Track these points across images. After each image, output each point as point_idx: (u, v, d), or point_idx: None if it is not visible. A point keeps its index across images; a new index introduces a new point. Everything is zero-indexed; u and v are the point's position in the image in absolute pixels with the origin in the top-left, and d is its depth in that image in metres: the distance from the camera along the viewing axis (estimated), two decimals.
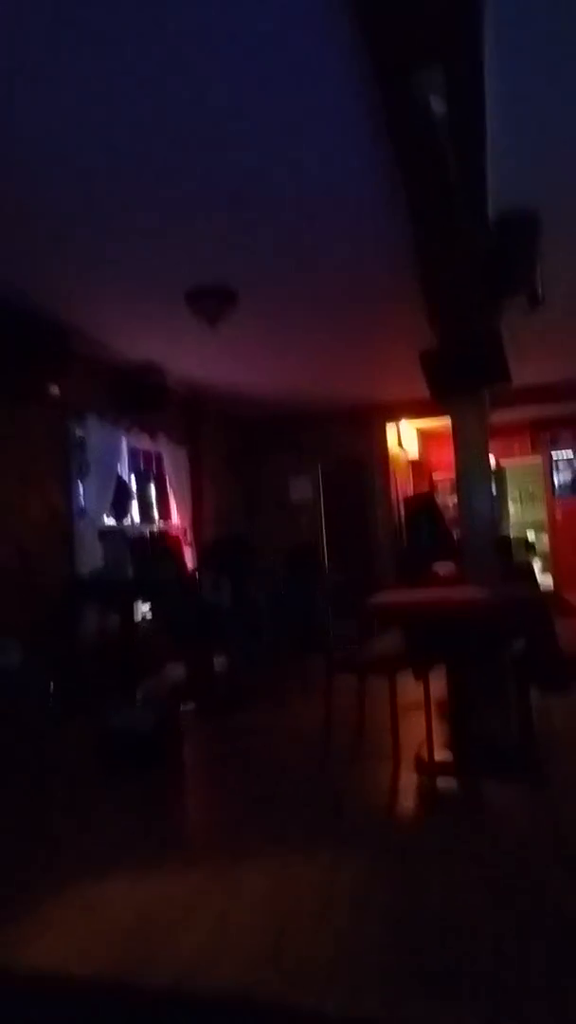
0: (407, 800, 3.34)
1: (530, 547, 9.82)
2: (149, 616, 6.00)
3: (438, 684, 3.74)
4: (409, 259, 3.98)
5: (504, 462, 10.31)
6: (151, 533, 6.69)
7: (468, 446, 4.85)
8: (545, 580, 9.39)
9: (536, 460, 10.41)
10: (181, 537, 7.08)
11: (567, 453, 10.21)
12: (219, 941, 2.13)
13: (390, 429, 9.00)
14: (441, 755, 3.57)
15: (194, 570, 6.67)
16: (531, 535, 10.80)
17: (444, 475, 9.56)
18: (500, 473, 10.00)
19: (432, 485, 10.17)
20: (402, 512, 8.64)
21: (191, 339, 5.52)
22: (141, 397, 6.29)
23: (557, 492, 10.26)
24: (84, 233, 3.81)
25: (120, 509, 6.26)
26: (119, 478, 6.22)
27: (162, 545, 6.20)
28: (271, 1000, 1.86)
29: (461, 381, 4.67)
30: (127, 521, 6.44)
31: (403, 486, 9.54)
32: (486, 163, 2.83)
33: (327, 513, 9.04)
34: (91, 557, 5.51)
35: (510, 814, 3.06)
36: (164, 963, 2.03)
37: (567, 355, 6.97)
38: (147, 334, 5.56)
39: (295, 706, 5.01)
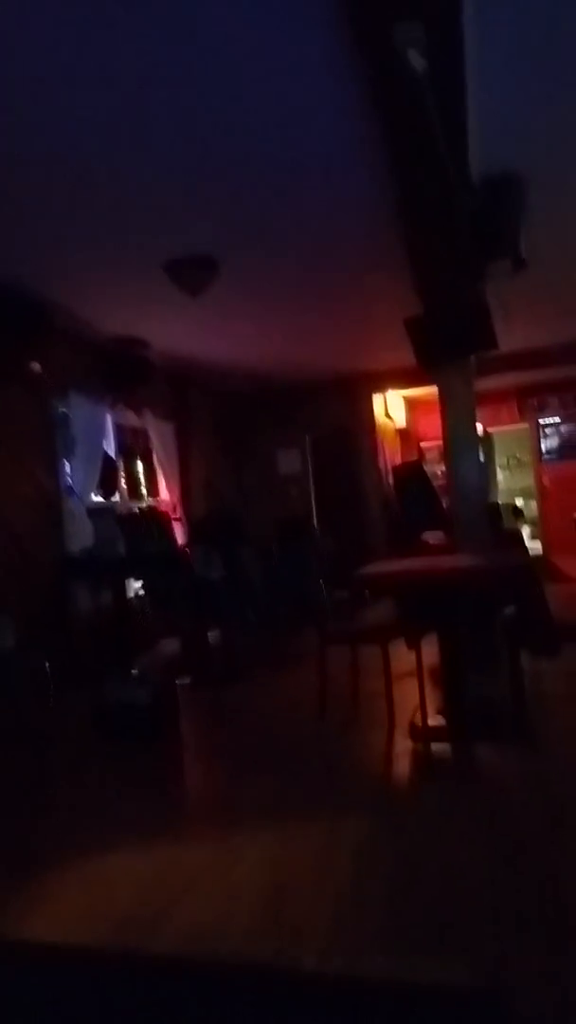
0: (402, 765, 3.39)
1: (519, 513, 9.87)
2: (142, 592, 6.01)
3: (430, 652, 3.77)
4: (393, 224, 3.92)
5: (491, 429, 10.30)
6: (140, 510, 6.67)
7: (456, 414, 4.83)
8: (534, 546, 9.46)
9: (523, 426, 10.41)
10: (170, 512, 7.06)
11: (554, 418, 10.21)
12: (220, 907, 2.17)
13: (377, 399, 8.96)
14: (435, 721, 3.62)
15: (184, 545, 6.67)
16: (520, 502, 10.86)
17: (432, 443, 9.55)
18: (488, 440, 9.99)
19: (420, 454, 10.16)
20: (391, 482, 8.64)
21: (174, 312, 5.45)
22: (125, 371, 6.21)
23: (544, 458, 10.28)
24: (59, 204, 3.71)
25: (108, 486, 6.23)
26: (105, 455, 6.17)
27: (152, 521, 6.18)
28: (273, 962, 1.90)
29: (448, 349, 4.64)
30: (115, 498, 6.42)
31: (391, 455, 9.53)
32: (467, 118, 2.78)
33: (317, 484, 9.03)
34: (81, 535, 5.49)
35: (503, 776, 3.12)
36: (166, 930, 2.07)
37: (552, 320, 6.94)
38: (129, 308, 5.47)
39: (290, 677, 5.05)
